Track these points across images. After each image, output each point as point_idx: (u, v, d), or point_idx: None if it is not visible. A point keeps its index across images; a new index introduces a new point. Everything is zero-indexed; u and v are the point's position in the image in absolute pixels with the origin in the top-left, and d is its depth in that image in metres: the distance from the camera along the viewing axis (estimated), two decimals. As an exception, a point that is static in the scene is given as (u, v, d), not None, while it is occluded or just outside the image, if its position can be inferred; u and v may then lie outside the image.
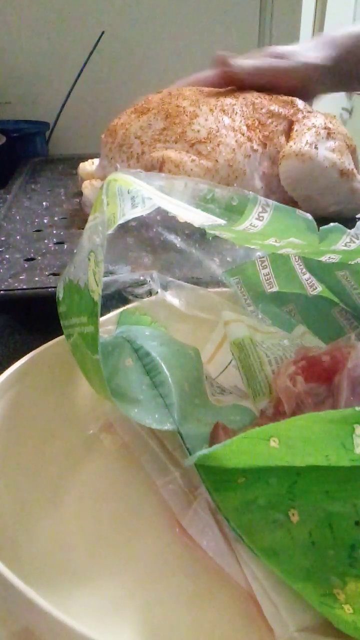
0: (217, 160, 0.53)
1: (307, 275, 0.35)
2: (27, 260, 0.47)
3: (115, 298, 0.36)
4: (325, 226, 0.26)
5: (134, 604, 0.22)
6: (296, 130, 0.57)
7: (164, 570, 0.23)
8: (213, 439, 0.26)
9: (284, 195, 0.56)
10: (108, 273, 0.40)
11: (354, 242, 0.27)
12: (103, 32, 0.96)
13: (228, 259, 0.43)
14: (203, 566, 0.23)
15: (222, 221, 0.26)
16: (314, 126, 0.57)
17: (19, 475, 0.27)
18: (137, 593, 0.22)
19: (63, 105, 0.96)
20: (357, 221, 0.27)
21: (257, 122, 0.56)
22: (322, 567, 0.20)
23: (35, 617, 0.18)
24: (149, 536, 0.25)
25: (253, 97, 0.59)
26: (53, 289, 0.37)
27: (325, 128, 0.57)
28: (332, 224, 0.26)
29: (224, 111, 0.56)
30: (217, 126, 0.54)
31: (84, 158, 0.68)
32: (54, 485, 0.27)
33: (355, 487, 0.20)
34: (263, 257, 0.36)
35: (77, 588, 0.22)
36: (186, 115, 0.55)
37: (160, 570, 0.23)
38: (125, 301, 0.36)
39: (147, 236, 0.48)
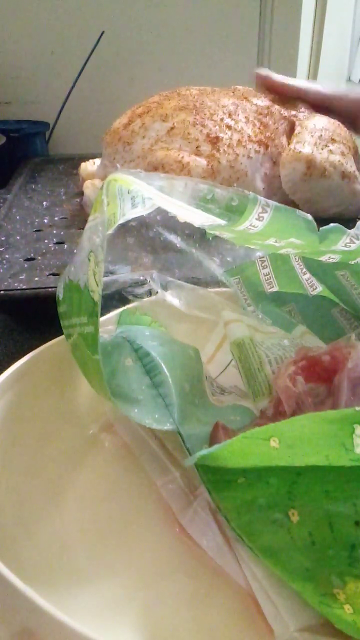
0: (219, 162, 0.53)
1: (307, 275, 0.35)
2: (27, 260, 0.47)
3: (115, 298, 0.36)
4: (325, 226, 0.26)
5: (134, 604, 0.22)
6: (298, 132, 0.57)
7: (164, 570, 0.23)
8: (213, 439, 0.26)
9: (285, 196, 0.56)
10: (108, 273, 0.40)
11: (354, 242, 0.27)
12: (103, 32, 0.96)
13: (228, 259, 0.43)
14: (203, 566, 0.23)
15: (222, 221, 0.26)
16: (316, 128, 0.57)
17: (19, 475, 0.27)
18: (137, 593, 0.22)
19: (63, 105, 0.96)
20: (357, 221, 0.27)
21: (258, 123, 0.56)
22: (322, 567, 0.20)
23: (35, 617, 0.18)
24: (149, 536, 0.25)
25: (255, 98, 0.59)
26: (53, 289, 0.37)
27: (327, 130, 0.57)
28: (332, 224, 0.26)
29: (226, 112, 0.55)
30: (219, 127, 0.54)
31: (84, 158, 0.68)
32: (54, 485, 0.27)
33: (355, 487, 0.20)
34: (263, 257, 0.36)
35: (77, 588, 0.22)
36: (188, 116, 0.55)
37: (160, 570, 0.23)
38: (125, 301, 0.36)
39: (147, 236, 0.48)
